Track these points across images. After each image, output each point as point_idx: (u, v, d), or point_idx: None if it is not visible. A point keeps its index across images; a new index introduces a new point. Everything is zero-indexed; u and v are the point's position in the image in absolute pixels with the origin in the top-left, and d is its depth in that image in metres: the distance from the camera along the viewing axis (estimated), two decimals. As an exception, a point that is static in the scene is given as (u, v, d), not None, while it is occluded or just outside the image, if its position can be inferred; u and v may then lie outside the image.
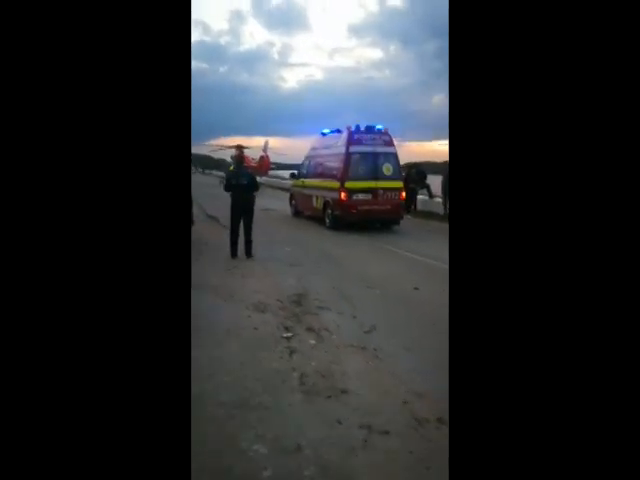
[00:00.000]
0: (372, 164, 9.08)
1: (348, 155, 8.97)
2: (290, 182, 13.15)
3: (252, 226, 6.60)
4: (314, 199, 10.21)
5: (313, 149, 11.06)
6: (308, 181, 10.67)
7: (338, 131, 9.82)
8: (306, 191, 10.68)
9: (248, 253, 6.57)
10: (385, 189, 9.05)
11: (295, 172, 11.88)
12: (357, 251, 7.29)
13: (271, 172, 27.86)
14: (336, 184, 9.08)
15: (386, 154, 9.24)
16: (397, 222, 9.48)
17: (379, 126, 9.39)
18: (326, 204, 9.52)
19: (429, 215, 11.47)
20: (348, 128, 9.24)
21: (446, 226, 10.18)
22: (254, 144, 29.77)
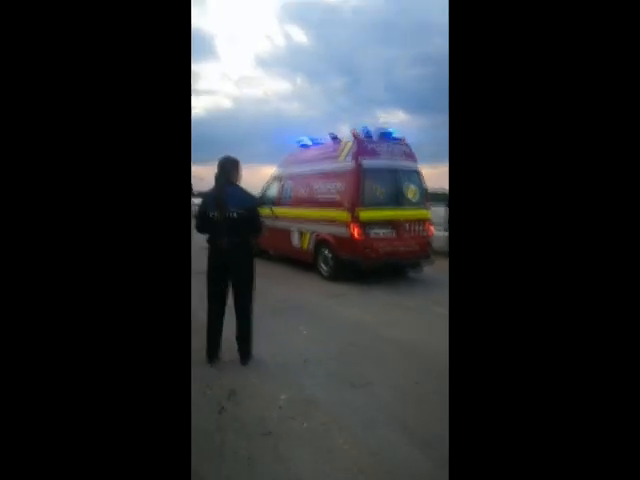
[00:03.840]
0: (392, 185, 6.24)
1: (360, 172, 6.03)
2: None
3: (251, 307, 3.33)
4: (295, 235, 7.13)
5: (288, 165, 7.94)
6: (282, 210, 7.56)
7: (335, 138, 6.87)
8: (280, 224, 7.54)
9: (245, 357, 3.30)
10: (411, 221, 6.29)
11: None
12: (421, 328, 4.26)
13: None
14: (341, 214, 6.08)
15: (409, 172, 6.48)
16: (420, 267, 6.72)
17: (395, 132, 6.62)
18: (321, 243, 6.49)
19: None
20: (354, 134, 6.34)
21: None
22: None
